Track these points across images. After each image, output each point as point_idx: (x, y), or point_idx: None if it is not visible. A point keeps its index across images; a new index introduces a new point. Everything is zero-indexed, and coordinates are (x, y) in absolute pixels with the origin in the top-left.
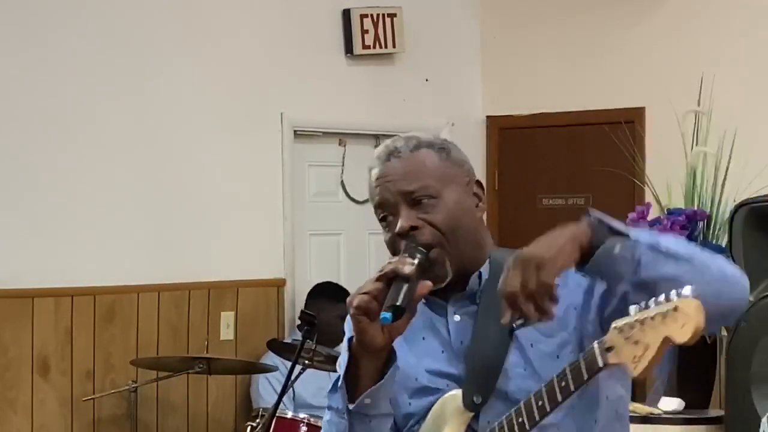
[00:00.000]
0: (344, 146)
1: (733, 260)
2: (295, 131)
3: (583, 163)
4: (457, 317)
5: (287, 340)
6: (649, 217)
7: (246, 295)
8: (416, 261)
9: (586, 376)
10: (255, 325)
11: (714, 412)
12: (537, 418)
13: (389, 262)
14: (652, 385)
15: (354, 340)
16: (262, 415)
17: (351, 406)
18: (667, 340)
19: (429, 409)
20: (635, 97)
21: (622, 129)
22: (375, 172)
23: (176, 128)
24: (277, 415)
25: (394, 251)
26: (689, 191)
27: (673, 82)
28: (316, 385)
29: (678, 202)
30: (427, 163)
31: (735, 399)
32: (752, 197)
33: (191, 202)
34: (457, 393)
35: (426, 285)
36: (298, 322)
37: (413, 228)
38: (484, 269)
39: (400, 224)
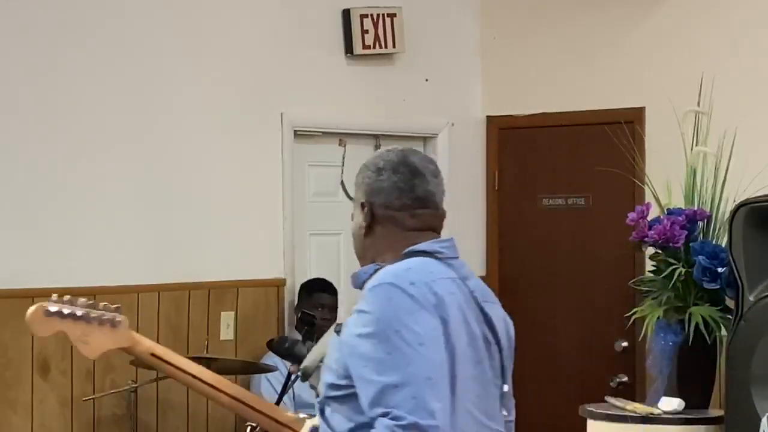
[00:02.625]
0: (344, 146)
1: (733, 260)
2: (295, 131)
3: (583, 163)
4: None
5: None
6: (649, 217)
7: (246, 295)
8: None
9: None
10: (255, 325)
11: (714, 412)
12: None
13: None
14: (652, 385)
15: None
16: None
17: None
18: None
19: None
20: (635, 97)
21: (622, 129)
22: None
23: (176, 128)
24: None
25: None
26: (689, 191)
27: (673, 82)
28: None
29: (678, 202)
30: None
31: (735, 399)
32: (752, 197)
33: (191, 202)
34: None
35: None
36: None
37: None
38: (364, 271)
39: None
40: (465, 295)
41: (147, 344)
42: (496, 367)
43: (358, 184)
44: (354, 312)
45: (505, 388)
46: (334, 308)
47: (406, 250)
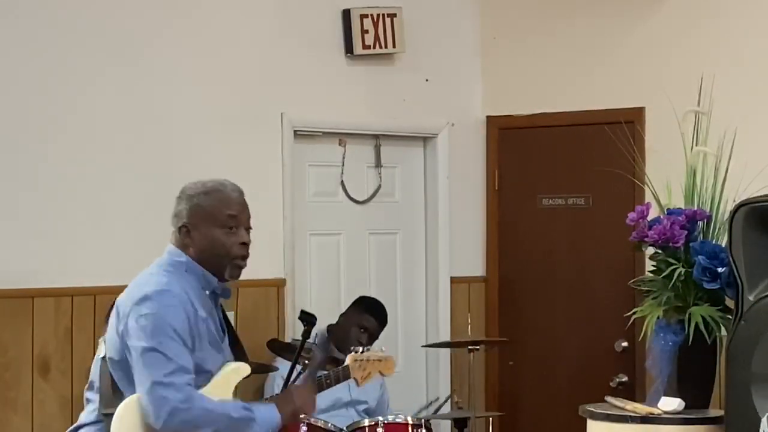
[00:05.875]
0: (344, 146)
1: (733, 260)
2: (295, 131)
3: (583, 163)
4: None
5: (287, 340)
6: (649, 217)
7: (246, 295)
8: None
9: (342, 380)
10: (255, 325)
11: (714, 412)
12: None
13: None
14: (652, 385)
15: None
16: None
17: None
18: (379, 372)
19: None
20: (635, 97)
21: (622, 129)
22: (235, 195)
23: (176, 128)
24: None
25: (232, 249)
26: (689, 191)
27: (673, 82)
28: (333, 396)
29: (678, 202)
30: None
31: (735, 399)
32: (752, 197)
33: None
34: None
35: None
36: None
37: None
38: None
39: (247, 238)
40: None
41: None
42: None
43: None
44: None
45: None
46: (374, 336)
47: None
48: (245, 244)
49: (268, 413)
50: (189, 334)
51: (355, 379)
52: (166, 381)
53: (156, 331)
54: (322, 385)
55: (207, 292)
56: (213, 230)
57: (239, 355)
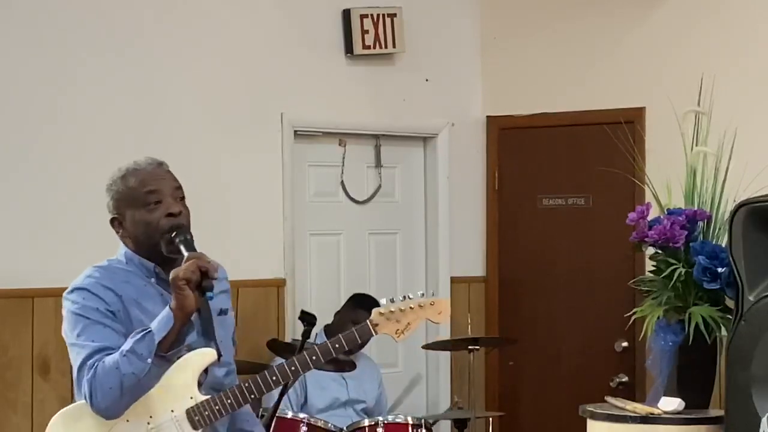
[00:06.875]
0: (344, 146)
1: (733, 260)
2: (295, 131)
3: (583, 163)
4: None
5: (287, 340)
6: (649, 217)
7: (246, 295)
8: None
9: (359, 342)
10: (255, 325)
11: (714, 412)
12: (311, 366)
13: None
14: (652, 385)
15: (177, 308)
16: (263, 415)
17: (164, 354)
18: (429, 320)
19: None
20: (635, 97)
21: (622, 129)
22: (150, 168)
23: (176, 128)
24: (277, 415)
25: (159, 223)
26: (689, 191)
27: (673, 82)
28: (331, 396)
29: (678, 202)
30: None
31: (735, 399)
32: (752, 197)
33: (191, 202)
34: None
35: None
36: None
37: (180, 213)
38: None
39: (175, 207)
40: None
41: None
42: None
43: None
44: (226, 293)
45: None
46: None
47: None
48: (173, 215)
49: (160, 315)
50: (109, 319)
51: (390, 336)
52: (82, 367)
53: (72, 326)
54: (329, 353)
55: (153, 280)
56: (137, 213)
57: (207, 341)
